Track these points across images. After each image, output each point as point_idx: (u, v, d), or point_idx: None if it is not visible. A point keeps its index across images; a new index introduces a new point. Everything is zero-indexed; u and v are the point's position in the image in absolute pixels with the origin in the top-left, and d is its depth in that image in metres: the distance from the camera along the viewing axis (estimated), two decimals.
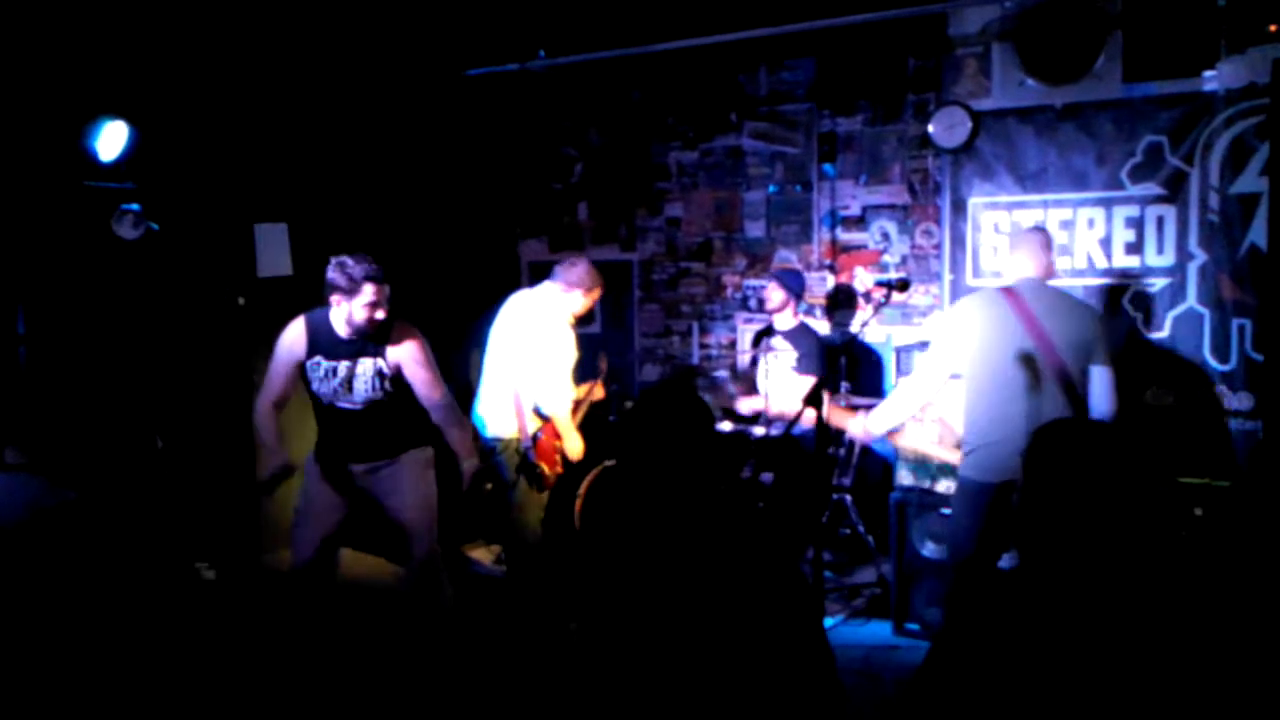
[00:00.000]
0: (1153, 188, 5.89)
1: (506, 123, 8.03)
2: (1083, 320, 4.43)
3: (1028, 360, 4.29)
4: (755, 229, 7.47)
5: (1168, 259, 5.89)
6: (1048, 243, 4.61)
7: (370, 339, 4.42)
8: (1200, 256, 5.79)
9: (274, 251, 6.21)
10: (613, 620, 2.34)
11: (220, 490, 6.05)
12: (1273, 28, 5.47)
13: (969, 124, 6.13)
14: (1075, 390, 4.31)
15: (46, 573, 3.56)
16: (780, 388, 6.17)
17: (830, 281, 7.16)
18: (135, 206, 5.51)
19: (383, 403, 4.51)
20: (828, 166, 7.14)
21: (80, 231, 5.52)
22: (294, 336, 4.46)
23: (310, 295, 6.33)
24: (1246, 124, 5.61)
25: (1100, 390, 4.35)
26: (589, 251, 8.09)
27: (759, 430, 6.13)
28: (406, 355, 4.48)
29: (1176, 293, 5.87)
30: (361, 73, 6.66)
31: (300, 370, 4.47)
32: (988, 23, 6.27)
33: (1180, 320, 5.87)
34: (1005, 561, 4.56)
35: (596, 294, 5.76)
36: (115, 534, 3.99)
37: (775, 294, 6.39)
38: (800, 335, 6.37)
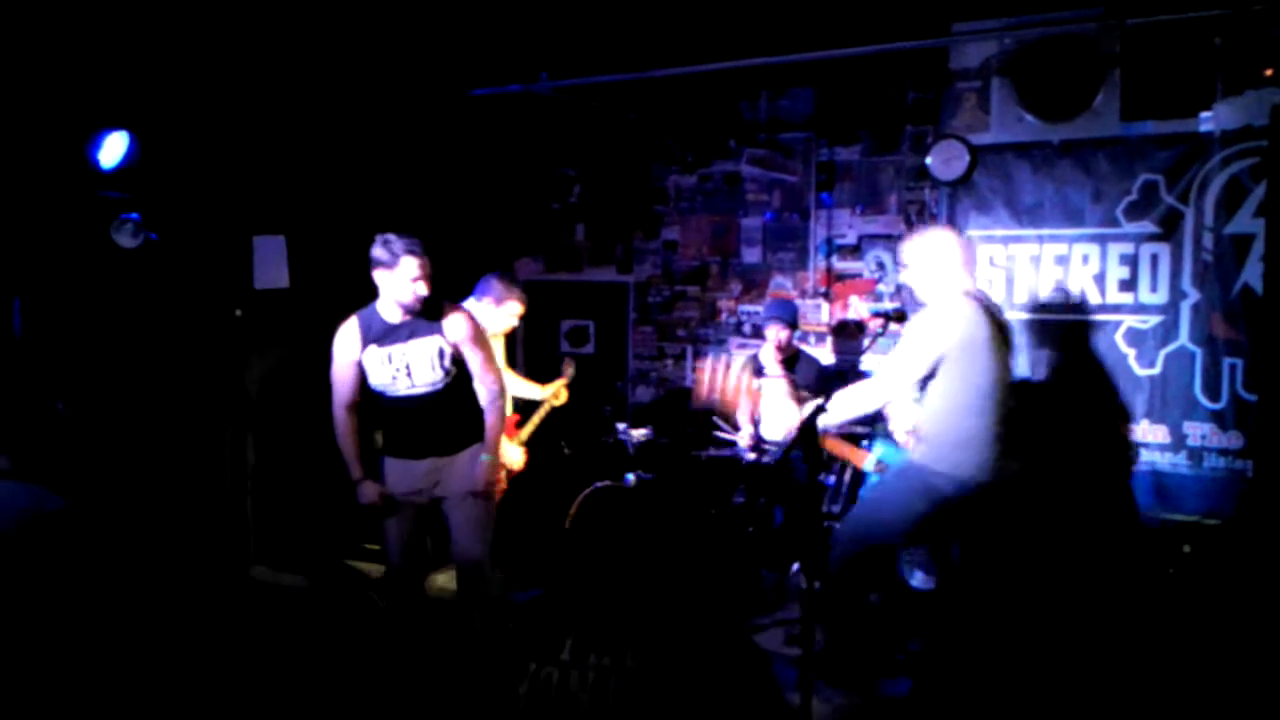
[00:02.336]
0: (1148, 226, 5.94)
1: (507, 142, 8.06)
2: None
3: (1005, 363, 4.38)
4: (752, 255, 7.51)
5: (1161, 297, 5.93)
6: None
7: (424, 318, 4.43)
8: (1193, 295, 5.84)
9: (272, 264, 6.22)
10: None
11: (211, 500, 6.03)
12: (1269, 72, 5.54)
13: (967, 157, 6.19)
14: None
15: (38, 581, 3.55)
16: (778, 414, 6.16)
17: (825, 310, 7.18)
18: (135, 215, 5.52)
19: (444, 392, 4.51)
20: (825, 195, 7.17)
21: (79, 239, 5.52)
22: (347, 333, 4.50)
23: (307, 308, 6.38)
24: (1242, 165, 5.67)
25: None
26: (586, 272, 8.12)
27: (750, 456, 6.13)
28: (461, 333, 4.50)
29: (1169, 330, 5.91)
30: (365, 88, 6.68)
31: (359, 368, 4.48)
32: (988, 58, 6.33)
33: (1172, 358, 5.91)
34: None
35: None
36: (106, 542, 3.98)
37: (781, 333, 6.26)
38: (801, 364, 6.35)
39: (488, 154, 8.00)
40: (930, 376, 4.36)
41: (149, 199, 5.63)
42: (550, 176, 8.21)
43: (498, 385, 4.62)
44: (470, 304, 5.64)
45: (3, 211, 5.32)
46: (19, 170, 5.33)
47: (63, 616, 3.56)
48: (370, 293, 4.52)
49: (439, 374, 4.48)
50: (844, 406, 4.37)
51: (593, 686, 2.26)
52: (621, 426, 6.51)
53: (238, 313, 6.15)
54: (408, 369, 4.45)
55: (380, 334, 4.45)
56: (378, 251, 4.37)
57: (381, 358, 4.44)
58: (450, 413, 4.57)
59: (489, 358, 4.61)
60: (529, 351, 8.44)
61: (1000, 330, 4.39)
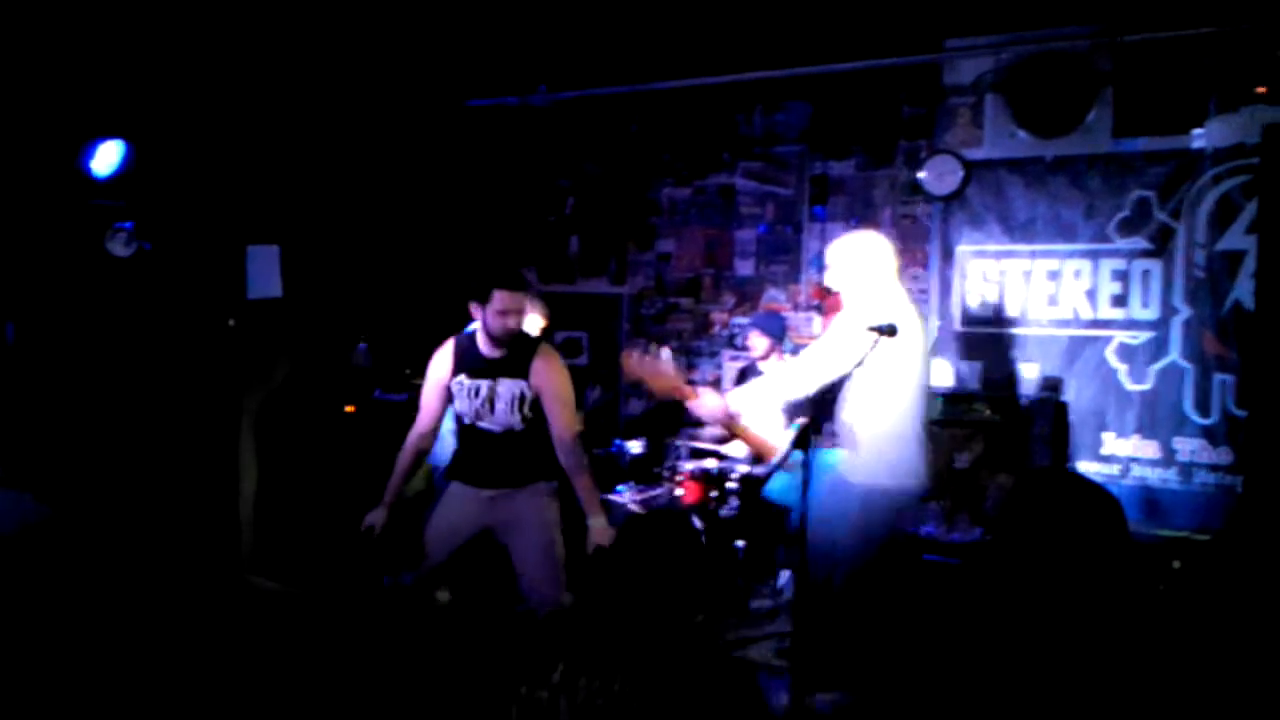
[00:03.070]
0: (1140, 242, 5.96)
1: (503, 153, 8.07)
2: None
3: (927, 367, 4.35)
4: (745, 267, 7.52)
5: (1152, 313, 5.95)
6: None
7: (514, 359, 4.41)
8: (1185, 311, 5.86)
9: (265, 274, 6.21)
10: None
11: (203, 509, 6.01)
12: (1261, 89, 5.56)
13: (960, 172, 6.20)
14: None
15: (28, 588, 3.54)
16: (767, 427, 6.17)
17: (817, 323, 7.19)
18: (128, 224, 5.52)
19: (521, 433, 4.47)
20: (818, 209, 7.18)
21: (73, 247, 5.52)
22: (442, 357, 4.51)
23: (301, 318, 6.38)
24: (1234, 182, 5.70)
25: None
26: (579, 284, 8.12)
27: (742, 469, 6.12)
28: (547, 384, 4.43)
29: (1160, 346, 5.93)
30: (361, 98, 6.69)
31: (446, 393, 4.49)
32: (982, 74, 6.35)
33: (1163, 374, 5.92)
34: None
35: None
36: (97, 551, 3.97)
37: (759, 342, 6.29)
38: None
39: (484, 165, 8.00)
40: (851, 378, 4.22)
41: (143, 208, 5.63)
42: (546, 188, 8.21)
43: (570, 441, 4.46)
44: None
45: None
46: (12, 178, 5.32)
47: (51, 625, 3.54)
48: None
49: (517, 418, 4.44)
50: (753, 395, 4.41)
51: (580, 708, 2.27)
52: (618, 442, 6.52)
53: (231, 322, 6.14)
54: (491, 405, 4.43)
55: (472, 364, 4.44)
56: (475, 281, 4.36)
57: (469, 388, 4.44)
58: (523, 451, 4.52)
59: (568, 415, 4.48)
60: None
61: (922, 335, 4.31)
